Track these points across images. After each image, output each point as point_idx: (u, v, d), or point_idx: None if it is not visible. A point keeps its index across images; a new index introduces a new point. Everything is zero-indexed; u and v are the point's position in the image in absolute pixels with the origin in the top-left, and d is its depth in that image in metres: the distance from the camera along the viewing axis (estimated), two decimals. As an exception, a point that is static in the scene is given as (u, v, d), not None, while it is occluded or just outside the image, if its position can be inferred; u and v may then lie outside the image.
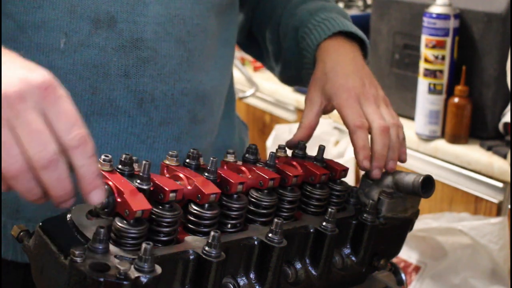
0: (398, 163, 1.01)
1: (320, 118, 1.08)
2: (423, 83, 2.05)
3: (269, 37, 1.23)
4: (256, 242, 0.81)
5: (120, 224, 0.73)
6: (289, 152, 1.00)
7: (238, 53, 2.81)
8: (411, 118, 2.14)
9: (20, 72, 0.69)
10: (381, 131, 0.99)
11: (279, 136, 2.47)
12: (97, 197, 0.71)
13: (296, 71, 1.19)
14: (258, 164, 0.91)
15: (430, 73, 2.03)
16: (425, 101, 2.05)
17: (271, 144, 2.48)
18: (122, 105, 1.03)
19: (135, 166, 0.82)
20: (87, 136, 0.69)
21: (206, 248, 0.75)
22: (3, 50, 0.73)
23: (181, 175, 0.82)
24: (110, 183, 0.74)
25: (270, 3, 1.24)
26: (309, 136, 1.06)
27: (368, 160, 0.98)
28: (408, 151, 2.09)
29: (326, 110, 1.08)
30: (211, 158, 0.83)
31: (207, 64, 1.10)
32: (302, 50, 1.15)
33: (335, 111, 1.07)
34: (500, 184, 1.93)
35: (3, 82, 0.68)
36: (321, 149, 0.97)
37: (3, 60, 0.70)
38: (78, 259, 0.67)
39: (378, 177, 0.98)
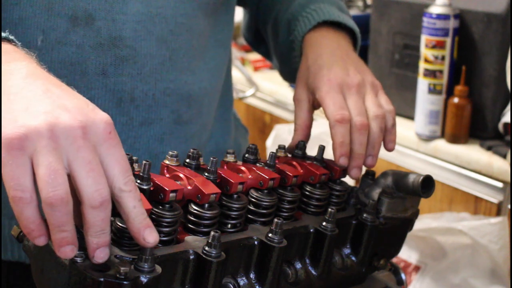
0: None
1: (312, 114, 1.04)
2: (423, 83, 2.05)
3: (270, 34, 1.22)
4: (256, 242, 0.81)
5: (120, 224, 0.73)
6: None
7: (238, 53, 2.81)
8: (411, 118, 2.14)
9: (85, 108, 0.68)
10: (359, 128, 0.96)
11: (279, 136, 2.47)
12: (151, 235, 0.69)
13: (290, 66, 1.16)
14: (258, 164, 0.91)
15: (430, 73, 2.03)
16: (425, 101, 2.05)
17: (271, 144, 2.48)
18: (100, 104, 1.01)
19: (135, 166, 0.82)
20: (135, 182, 0.70)
21: (206, 248, 0.75)
22: (52, 77, 0.72)
23: (181, 175, 0.82)
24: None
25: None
26: (307, 136, 1.04)
27: (346, 157, 0.95)
28: (408, 151, 2.12)
29: (315, 106, 1.04)
30: (211, 158, 0.83)
31: (194, 64, 1.08)
32: (291, 43, 1.12)
33: None
34: (500, 184, 1.93)
35: (67, 111, 0.67)
36: (321, 149, 0.97)
37: (64, 90, 0.70)
38: (78, 259, 0.67)
39: (358, 176, 0.96)
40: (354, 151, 0.96)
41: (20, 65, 0.71)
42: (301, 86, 1.05)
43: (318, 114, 1.08)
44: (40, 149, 0.64)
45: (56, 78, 0.72)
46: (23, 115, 0.65)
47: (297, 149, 0.99)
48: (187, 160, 0.87)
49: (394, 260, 1.09)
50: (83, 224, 0.67)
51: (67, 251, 0.66)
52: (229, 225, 0.83)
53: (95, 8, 0.98)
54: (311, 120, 1.04)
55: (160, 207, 0.76)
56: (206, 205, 0.80)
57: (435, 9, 1.99)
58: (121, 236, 0.73)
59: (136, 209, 0.69)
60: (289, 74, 1.19)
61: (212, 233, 0.75)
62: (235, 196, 0.83)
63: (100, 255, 0.68)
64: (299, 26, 1.10)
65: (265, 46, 1.27)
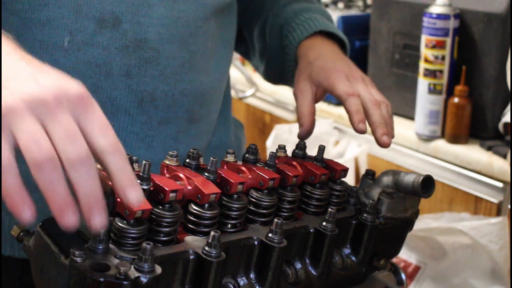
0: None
1: (315, 105, 1.09)
2: (423, 83, 2.05)
3: (256, 36, 1.26)
4: (256, 242, 0.81)
5: (120, 224, 0.73)
6: (289, 152, 1.00)
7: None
8: (411, 118, 2.14)
9: (57, 80, 0.69)
10: (374, 104, 1.02)
11: (279, 136, 2.47)
12: (136, 195, 0.67)
13: (279, 68, 1.22)
14: (258, 164, 0.91)
15: (430, 73, 2.03)
16: (425, 101, 2.05)
17: (271, 144, 2.48)
18: (123, 104, 1.03)
19: (135, 166, 0.82)
20: (120, 143, 0.68)
21: (206, 248, 0.75)
22: (25, 55, 0.72)
23: (181, 175, 0.82)
24: (110, 183, 0.74)
25: (260, 2, 1.28)
26: (312, 123, 1.06)
27: (364, 123, 1.00)
28: (408, 151, 2.12)
29: (317, 98, 1.09)
30: (211, 158, 0.83)
31: (208, 65, 1.12)
32: (285, 48, 1.18)
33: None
34: (500, 184, 1.93)
35: (40, 85, 0.67)
36: (321, 149, 0.97)
37: (35, 65, 0.70)
38: (78, 259, 0.67)
39: (388, 143, 0.99)
40: (376, 121, 1.00)
41: None
42: (303, 79, 1.09)
43: (318, 114, 1.09)
44: (18, 124, 0.64)
45: (29, 55, 0.72)
46: None
47: (297, 149, 0.99)
48: (187, 160, 0.87)
49: (394, 260, 1.08)
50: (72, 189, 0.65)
51: (70, 217, 0.64)
52: (229, 225, 0.83)
53: (121, 11, 1.00)
54: (314, 107, 1.08)
55: (160, 207, 0.76)
56: (206, 205, 0.80)
57: (435, 9, 1.99)
58: (121, 236, 0.73)
59: (120, 171, 0.67)
60: (276, 75, 1.26)
61: (212, 233, 0.75)
62: (235, 196, 0.83)
63: (96, 221, 0.65)
64: (294, 33, 1.17)
65: (245, 45, 1.32)
